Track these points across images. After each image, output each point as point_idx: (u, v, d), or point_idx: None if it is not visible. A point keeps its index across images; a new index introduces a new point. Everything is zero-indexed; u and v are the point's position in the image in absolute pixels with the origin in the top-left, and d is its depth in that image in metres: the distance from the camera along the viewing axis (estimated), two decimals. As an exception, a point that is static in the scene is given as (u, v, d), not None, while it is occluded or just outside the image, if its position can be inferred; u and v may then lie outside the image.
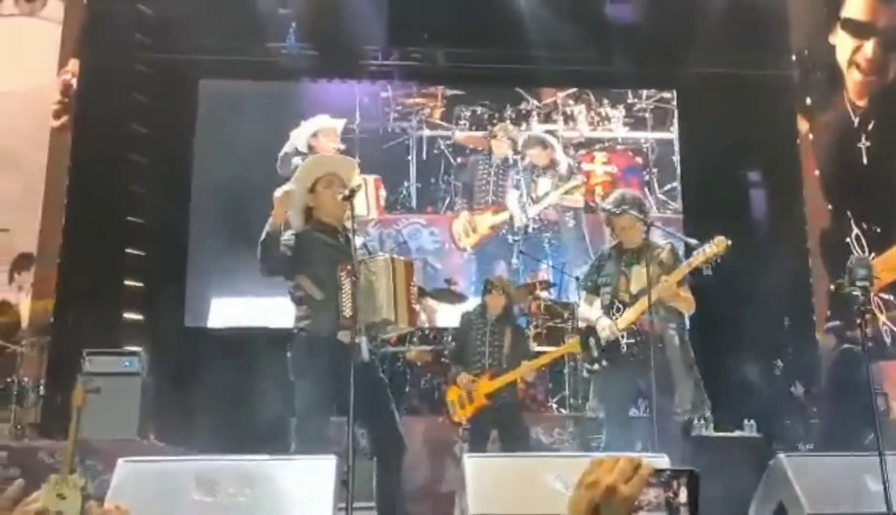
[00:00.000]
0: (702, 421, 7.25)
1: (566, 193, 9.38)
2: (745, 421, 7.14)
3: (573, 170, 9.52)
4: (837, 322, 7.52)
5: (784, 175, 9.15)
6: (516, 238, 9.33)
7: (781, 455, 3.28)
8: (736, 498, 4.81)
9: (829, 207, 8.78)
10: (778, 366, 7.42)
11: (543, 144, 9.55)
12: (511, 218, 9.37)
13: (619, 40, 8.84)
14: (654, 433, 3.88)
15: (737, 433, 7.10)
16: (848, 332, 7.43)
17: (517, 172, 9.47)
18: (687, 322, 4.62)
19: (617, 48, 8.95)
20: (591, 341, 4.57)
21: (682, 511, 1.25)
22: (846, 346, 7.32)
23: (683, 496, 1.25)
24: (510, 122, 9.61)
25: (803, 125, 9.18)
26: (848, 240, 8.34)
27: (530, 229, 9.39)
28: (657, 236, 4.65)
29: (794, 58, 9.23)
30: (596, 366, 4.57)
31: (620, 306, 4.46)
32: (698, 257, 4.37)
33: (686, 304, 4.50)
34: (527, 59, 9.13)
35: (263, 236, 4.12)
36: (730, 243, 4.34)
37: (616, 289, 4.53)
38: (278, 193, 4.16)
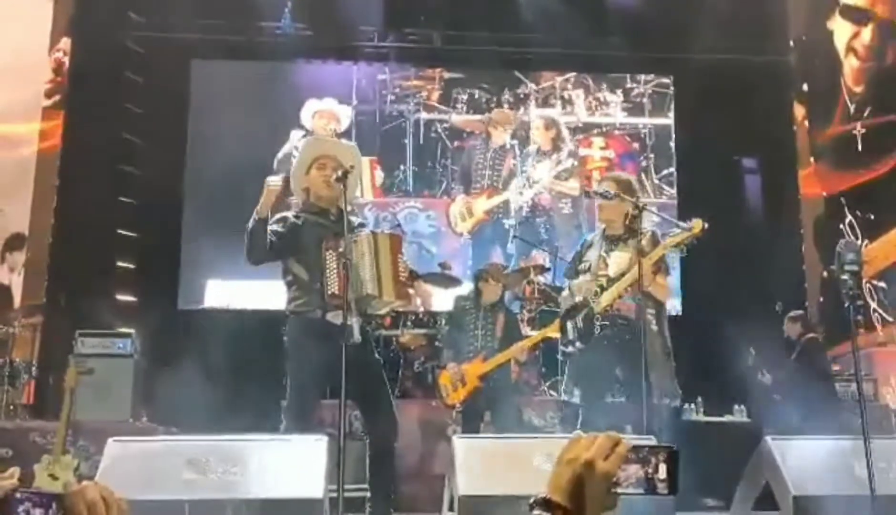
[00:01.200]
0: (692, 406, 7.31)
1: (557, 177, 9.38)
2: (735, 406, 7.19)
3: (574, 155, 9.51)
4: (801, 311, 7.53)
5: (779, 161, 9.17)
6: (511, 223, 9.33)
7: (768, 438, 3.30)
8: (724, 482, 4.86)
9: (824, 193, 8.79)
10: (751, 354, 7.45)
11: (550, 125, 9.52)
12: (507, 202, 9.36)
13: (618, 25, 8.82)
14: (643, 417, 3.88)
15: (727, 418, 7.15)
16: (812, 320, 7.49)
17: (514, 157, 9.45)
18: (665, 310, 4.59)
19: (616, 32, 8.93)
20: (569, 324, 4.55)
21: (661, 487, 1.25)
22: (810, 335, 7.35)
23: (663, 472, 1.25)
24: (507, 107, 9.56)
25: (800, 111, 9.18)
26: (842, 226, 8.36)
27: (525, 214, 9.39)
28: (645, 222, 4.63)
29: (791, 44, 9.22)
30: (570, 348, 4.56)
31: (598, 289, 4.46)
32: (674, 239, 4.36)
33: (662, 292, 4.48)
34: (525, 43, 9.11)
35: (250, 225, 4.12)
36: (706, 225, 4.32)
37: (595, 273, 4.52)
38: (269, 182, 4.14)
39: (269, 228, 4.16)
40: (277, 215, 4.27)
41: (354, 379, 3.87)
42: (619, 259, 4.45)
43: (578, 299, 4.53)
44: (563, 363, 5.35)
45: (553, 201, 9.41)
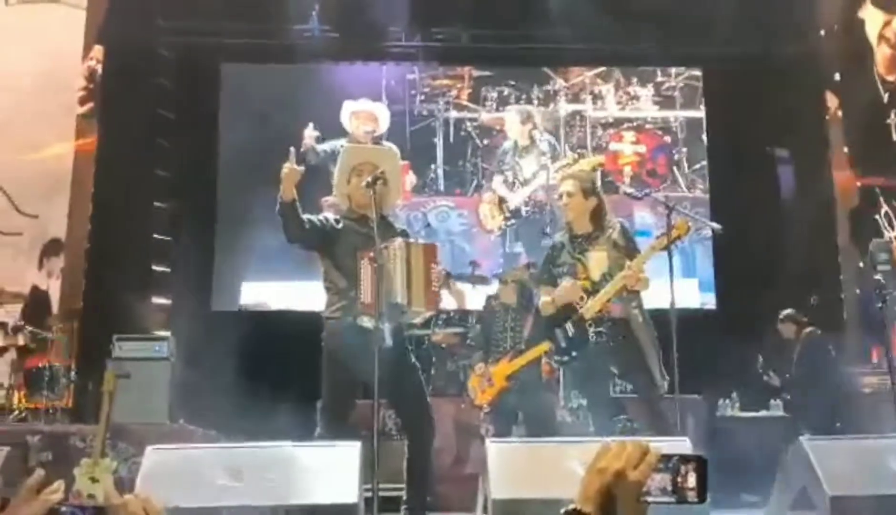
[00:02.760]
0: (727, 401, 7.26)
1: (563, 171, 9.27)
2: (772, 401, 7.14)
3: (556, 147, 9.37)
4: (791, 310, 7.42)
5: (812, 153, 9.04)
6: (510, 222, 9.26)
7: (803, 439, 3.28)
8: (761, 477, 4.83)
9: (858, 184, 8.67)
10: (759, 359, 7.37)
11: (525, 120, 9.39)
12: (501, 201, 9.28)
13: (647, 18, 8.74)
14: (677, 419, 3.87)
15: (763, 413, 7.10)
16: (803, 317, 7.37)
17: (503, 153, 9.38)
18: (643, 300, 4.57)
19: (645, 26, 8.86)
20: (559, 333, 4.51)
21: (690, 495, 1.26)
22: (809, 329, 7.24)
23: (692, 480, 1.26)
24: (537, 103, 9.51)
25: (832, 101, 9.04)
26: (877, 217, 8.24)
27: (524, 213, 9.31)
28: (610, 218, 4.64)
29: (822, 33, 9.08)
30: (566, 358, 4.53)
31: (584, 295, 4.42)
32: (661, 241, 4.35)
33: (644, 284, 4.44)
34: (554, 39, 9.05)
35: (277, 208, 4.22)
36: (690, 225, 4.30)
37: (575, 278, 4.48)
38: (284, 168, 4.20)
39: (310, 217, 4.24)
40: (321, 215, 4.36)
41: (391, 382, 3.92)
42: (597, 260, 4.42)
43: (561, 304, 4.49)
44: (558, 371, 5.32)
45: (548, 197, 9.29)
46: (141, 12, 8.57)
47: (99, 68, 8.42)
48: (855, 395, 6.67)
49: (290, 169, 4.17)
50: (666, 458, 1.27)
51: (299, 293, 8.26)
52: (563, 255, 4.55)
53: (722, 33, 8.58)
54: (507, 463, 3.25)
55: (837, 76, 8.99)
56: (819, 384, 6.73)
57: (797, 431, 6.48)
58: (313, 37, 8.98)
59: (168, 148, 8.75)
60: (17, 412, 6.76)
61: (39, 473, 1.28)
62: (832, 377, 6.84)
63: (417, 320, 4.59)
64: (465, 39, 9.31)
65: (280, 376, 7.06)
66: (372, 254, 4.01)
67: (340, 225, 4.32)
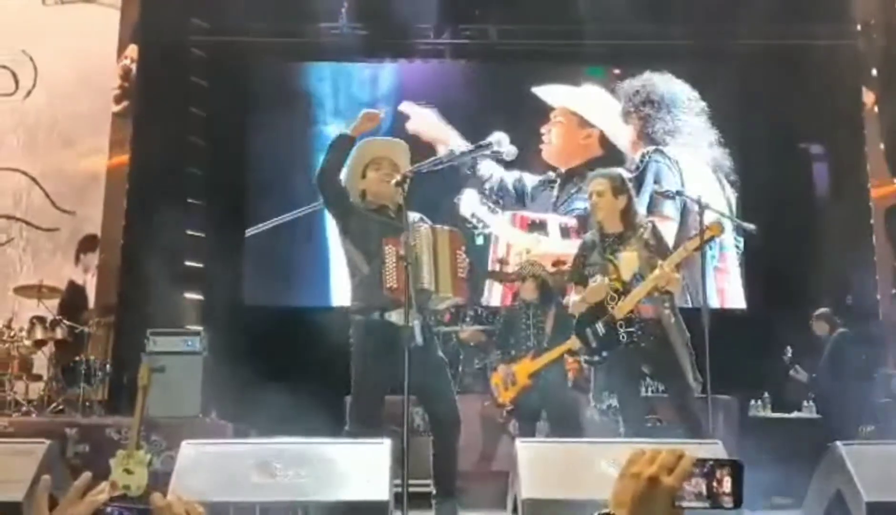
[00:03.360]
0: (758, 402, 7.20)
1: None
2: (804, 402, 7.05)
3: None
4: (826, 309, 7.31)
5: (847, 149, 8.91)
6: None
7: (838, 443, 3.24)
8: (793, 479, 4.78)
9: (895, 181, 8.53)
10: (787, 352, 7.28)
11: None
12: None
13: (679, 13, 8.66)
14: (709, 421, 3.85)
15: (795, 414, 7.02)
16: (837, 318, 7.28)
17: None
18: (676, 300, 4.55)
19: (676, 21, 8.78)
20: (589, 332, 4.51)
21: (726, 500, 1.25)
22: (842, 330, 7.14)
23: (727, 485, 1.25)
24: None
25: (868, 97, 8.91)
26: (914, 216, 8.12)
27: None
28: (640, 217, 4.64)
29: (858, 27, 8.95)
30: (597, 357, 4.52)
31: (614, 295, 4.42)
32: (694, 242, 4.33)
33: (676, 284, 4.42)
34: (582, 35, 9.01)
35: (334, 137, 4.42)
36: (724, 226, 4.27)
37: (607, 277, 4.45)
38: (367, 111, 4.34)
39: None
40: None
41: (418, 377, 3.93)
42: (628, 260, 4.40)
43: (591, 303, 4.48)
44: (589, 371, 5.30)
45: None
46: (174, 11, 8.67)
47: (133, 67, 8.53)
48: (892, 397, 6.57)
49: (372, 113, 4.30)
50: (701, 463, 1.26)
51: (331, 289, 8.34)
52: (594, 255, 4.54)
53: (757, 27, 8.49)
54: (537, 463, 3.25)
55: (874, 71, 8.85)
56: (846, 386, 6.64)
57: (823, 432, 6.46)
58: (342, 34, 9.02)
59: (200, 146, 8.85)
60: (54, 404, 6.89)
61: (87, 475, 1.31)
62: (861, 379, 6.74)
63: (442, 306, 4.56)
64: (493, 36, 9.29)
65: (310, 371, 7.11)
66: (399, 241, 4.01)
67: (364, 210, 4.33)
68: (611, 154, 9.00)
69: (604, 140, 9.19)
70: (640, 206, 4.58)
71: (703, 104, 9.23)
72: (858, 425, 6.29)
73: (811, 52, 8.73)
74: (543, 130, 9.14)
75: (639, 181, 8.32)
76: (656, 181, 8.44)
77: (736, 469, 1.26)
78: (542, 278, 5.76)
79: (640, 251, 4.34)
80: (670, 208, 8.39)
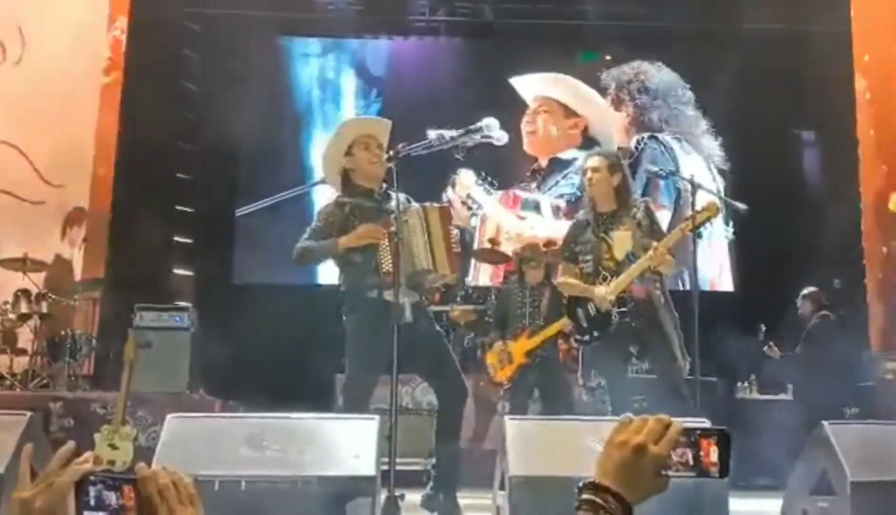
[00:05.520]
0: (745, 384, 7.23)
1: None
2: (790, 385, 7.09)
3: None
4: (814, 288, 7.32)
5: (839, 134, 8.91)
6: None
7: (825, 423, 3.25)
8: (778, 461, 4.81)
9: (884, 167, 8.55)
10: (761, 330, 7.29)
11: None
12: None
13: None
14: (697, 402, 3.86)
15: (781, 397, 7.06)
16: (824, 300, 7.29)
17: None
18: (666, 281, 4.56)
19: (671, 5, 8.75)
20: (580, 312, 4.51)
21: (712, 470, 1.24)
22: (824, 312, 7.16)
23: (714, 455, 1.24)
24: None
25: (860, 83, 8.90)
26: (903, 202, 8.13)
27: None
28: (634, 197, 4.64)
29: (852, 14, 8.92)
30: (587, 337, 4.53)
31: (607, 274, 4.41)
32: (689, 223, 4.32)
33: (668, 266, 4.42)
34: (579, 15, 8.96)
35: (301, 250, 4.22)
36: (720, 206, 4.26)
37: (599, 257, 4.45)
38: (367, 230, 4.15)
39: (313, 225, 4.24)
40: (323, 210, 4.31)
41: (420, 352, 3.92)
42: (621, 240, 4.39)
43: (584, 285, 4.48)
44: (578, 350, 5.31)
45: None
46: (167, -17, 8.57)
47: (124, 39, 8.42)
48: (876, 381, 6.61)
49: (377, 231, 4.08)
50: (688, 432, 1.25)
51: (321, 267, 8.29)
52: (587, 233, 4.53)
53: (749, 12, 8.47)
54: (525, 441, 3.25)
55: (867, 57, 8.84)
56: (824, 367, 6.65)
57: (806, 413, 6.49)
58: (338, 10, 8.94)
59: (192, 120, 8.77)
60: (39, 378, 6.84)
61: (71, 444, 1.28)
62: (841, 360, 6.76)
63: (440, 284, 4.55)
64: (488, 14, 9.22)
65: (299, 349, 7.10)
66: (390, 225, 3.99)
67: (347, 208, 4.26)
68: (595, 144, 8.93)
69: (587, 130, 9.14)
70: (633, 186, 4.55)
71: (692, 94, 9.22)
72: (842, 407, 6.33)
73: (804, 38, 8.70)
74: (528, 119, 9.07)
75: (633, 169, 8.24)
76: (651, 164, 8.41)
77: (723, 439, 1.24)
78: (549, 266, 5.76)
79: (633, 231, 4.34)
80: (664, 197, 8.40)
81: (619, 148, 8.79)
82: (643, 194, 7.90)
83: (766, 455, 5.24)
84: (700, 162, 9.03)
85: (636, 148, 8.93)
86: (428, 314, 4.35)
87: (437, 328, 4.44)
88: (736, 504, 3.22)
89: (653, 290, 4.38)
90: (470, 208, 8.93)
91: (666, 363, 4.33)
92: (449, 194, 8.95)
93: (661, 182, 8.16)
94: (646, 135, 9.06)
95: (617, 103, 9.23)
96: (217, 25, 8.91)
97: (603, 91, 9.29)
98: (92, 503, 1.21)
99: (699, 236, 4.41)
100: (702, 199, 4.41)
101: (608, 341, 4.43)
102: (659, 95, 9.19)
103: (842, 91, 8.84)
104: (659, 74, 9.23)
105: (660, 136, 9.05)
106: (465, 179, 8.98)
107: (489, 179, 9.04)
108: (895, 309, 7.88)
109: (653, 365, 4.40)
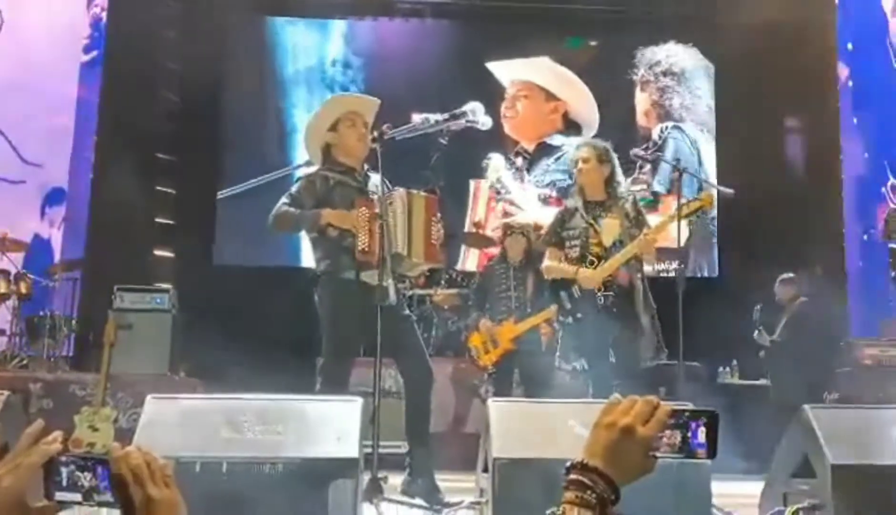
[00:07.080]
0: (727, 369, 7.28)
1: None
2: (770, 370, 7.14)
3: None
4: (790, 274, 7.37)
5: (822, 122, 8.96)
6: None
7: (806, 407, 3.26)
8: (759, 445, 4.85)
9: (866, 155, 8.60)
10: (757, 310, 7.31)
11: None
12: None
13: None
14: (679, 382, 3.88)
15: (762, 382, 7.12)
16: (802, 285, 7.32)
17: None
18: (645, 268, 4.61)
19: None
20: (564, 295, 4.53)
21: (700, 452, 1.23)
22: (803, 299, 7.20)
23: (702, 436, 1.23)
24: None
25: (843, 71, 8.94)
26: (884, 190, 8.20)
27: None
28: (623, 188, 4.69)
29: (836, 1, 8.95)
30: (570, 319, 4.54)
31: (594, 259, 4.43)
32: (682, 211, 4.35)
33: (652, 253, 4.52)
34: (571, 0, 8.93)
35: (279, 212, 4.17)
36: (715, 197, 4.29)
37: (586, 242, 4.48)
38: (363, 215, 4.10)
39: (291, 192, 4.20)
40: (305, 179, 4.27)
41: (388, 334, 3.89)
42: (610, 226, 4.44)
43: (575, 268, 4.49)
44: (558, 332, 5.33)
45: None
46: (147, -39, 8.45)
47: (104, 16, 8.32)
48: (855, 366, 6.66)
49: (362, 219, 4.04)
50: (676, 414, 1.24)
51: (300, 249, 8.24)
52: (576, 218, 4.56)
53: (733, 1, 8.45)
54: (508, 423, 3.24)
55: (850, 45, 8.88)
56: (804, 353, 6.69)
57: (775, 398, 6.54)
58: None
59: (172, 100, 8.68)
60: (18, 359, 6.77)
61: (39, 423, 1.26)
62: (821, 346, 6.80)
63: (414, 272, 4.53)
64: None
65: (280, 331, 7.07)
66: (372, 205, 3.97)
67: (331, 182, 4.22)
68: (576, 128, 8.92)
69: (567, 115, 9.08)
70: (622, 178, 4.62)
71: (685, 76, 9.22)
72: (822, 392, 6.38)
73: (787, 25, 8.70)
74: (508, 104, 9.00)
75: (655, 160, 8.05)
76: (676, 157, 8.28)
77: (712, 420, 1.24)
78: (529, 236, 5.76)
79: (621, 220, 4.38)
80: (685, 189, 8.36)
81: (640, 128, 8.80)
82: (667, 188, 7.92)
83: (746, 439, 5.27)
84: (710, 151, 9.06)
85: (659, 137, 8.88)
86: (401, 298, 4.33)
87: (408, 311, 4.42)
88: (717, 487, 3.23)
89: (634, 278, 4.42)
90: (499, 193, 8.88)
91: (629, 352, 4.38)
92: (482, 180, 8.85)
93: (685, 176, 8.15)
94: (669, 124, 9.04)
95: (643, 84, 9.16)
96: (198, 4, 8.80)
97: (634, 70, 9.20)
98: (64, 483, 1.19)
99: (694, 223, 4.45)
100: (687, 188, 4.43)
101: (591, 324, 4.44)
102: (682, 80, 9.16)
103: (825, 78, 8.88)
104: (688, 59, 9.19)
105: (682, 125, 9.04)
106: (496, 163, 8.92)
107: (519, 163, 8.96)
108: (875, 296, 7.95)
109: (615, 351, 4.43)
